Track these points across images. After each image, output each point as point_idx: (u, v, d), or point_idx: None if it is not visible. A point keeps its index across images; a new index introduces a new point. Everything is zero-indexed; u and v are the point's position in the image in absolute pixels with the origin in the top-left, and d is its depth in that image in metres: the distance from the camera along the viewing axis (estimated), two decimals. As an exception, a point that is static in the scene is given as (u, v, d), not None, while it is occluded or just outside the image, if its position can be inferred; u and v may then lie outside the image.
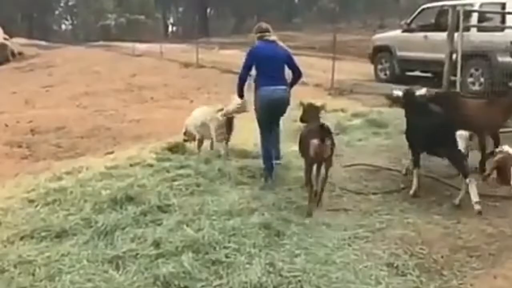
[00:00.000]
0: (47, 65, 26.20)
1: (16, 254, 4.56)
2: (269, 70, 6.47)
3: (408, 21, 14.04)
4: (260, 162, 6.80)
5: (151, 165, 7.09)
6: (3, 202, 5.92)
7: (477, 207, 5.36)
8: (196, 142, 8.15)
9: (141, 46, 28.49)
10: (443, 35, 9.47)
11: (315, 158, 5.66)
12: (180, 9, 69.10)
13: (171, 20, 70.69)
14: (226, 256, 4.40)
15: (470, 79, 11.50)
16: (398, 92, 6.72)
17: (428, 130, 5.82)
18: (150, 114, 12.52)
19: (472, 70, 11.47)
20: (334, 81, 13.50)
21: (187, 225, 4.96)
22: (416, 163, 6.04)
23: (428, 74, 14.44)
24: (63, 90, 17.67)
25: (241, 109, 7.42)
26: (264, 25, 6.78)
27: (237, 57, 23.60)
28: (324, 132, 5.59)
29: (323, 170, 5.79)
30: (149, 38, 33.10)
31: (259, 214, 5.31)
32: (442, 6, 12.87)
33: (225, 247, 4.53)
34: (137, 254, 4.51)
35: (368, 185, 6.30)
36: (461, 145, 5.53)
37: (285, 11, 56.49)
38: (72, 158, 8.96)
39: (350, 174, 6.67)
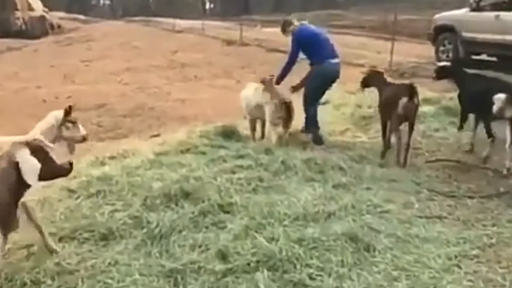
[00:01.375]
0: (86, 39, 25.65)
1: (54, 262, 3.81)
2: (325, 44, 7.03)
3: (478, -2, 12.89)
4: (327, 155, 6.03)
5: (204, 153, 6.29)
6: (39, 192, 5.18)
7: None
8: (249, 125, 7.34)
9: (181, 22, 27.71)
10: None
11: (403, 117, 5.83)
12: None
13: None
14: (310, 278, 3.57)
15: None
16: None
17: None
18: (195, 93, 11.70)
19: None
20: (392, 63, 12.51)
21: (257, 232, 4.13)
22: None
23: (493, 58, 13.46)
24: (103, 65, 16.98)
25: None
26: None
27: (281, 35, 22.80)
28: (413, 90, 5.75)
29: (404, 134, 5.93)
30: (187, 14, 32.30)
31: (338, 219, 4.46)
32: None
33: (307, 265, 3.69)
34: (199, 267, 3.72)
35: (461, 187, 5.39)
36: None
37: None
38: (115, 139, 8.20)
39: (436, 172, 5.77)
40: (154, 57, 17.50)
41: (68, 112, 4.39)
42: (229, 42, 19.92)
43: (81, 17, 41.02)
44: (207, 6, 66.83)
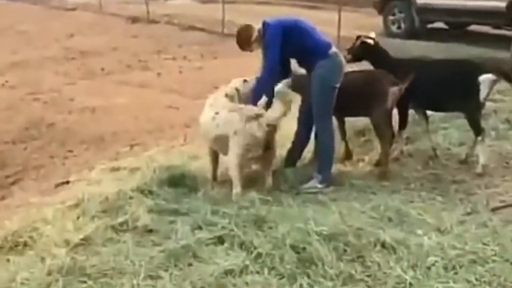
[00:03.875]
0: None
1: None
2: (316, 31, 5.08)
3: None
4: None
5: (150, 231, 4.05)
6: None
7: None
8: (209, 160, 5.15)
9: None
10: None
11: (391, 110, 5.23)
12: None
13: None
14: None
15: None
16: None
17: None
18: (107, 96, 9.15)
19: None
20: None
21: None
22: None
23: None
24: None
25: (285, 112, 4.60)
26: None
27: (193, 8, 20.24)
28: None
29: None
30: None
31: None
32: None
33: None
34: None
35: None
36: None
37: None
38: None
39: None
40: (47, 45, 14.45)
41: None
42: (134, 20, 17.17)
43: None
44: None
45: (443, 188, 4.92)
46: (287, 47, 4.83)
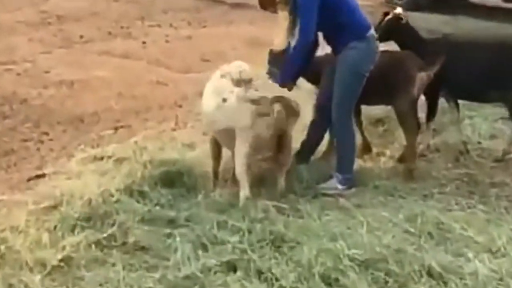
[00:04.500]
0: None
1: None
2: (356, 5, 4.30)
3: None
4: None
5: (142, 248, 3.34)
6: None
7: None
8: (210, 153, 4.43)
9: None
10: None
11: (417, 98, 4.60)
12: None
13: None
14: None
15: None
16: None
17: None
18: (87, 68, 8.19)
19: None
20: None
21: None
22: None
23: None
24: None
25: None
26: None
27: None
28: None
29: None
30: None
31: None
32: None
33: None
34: None
35: None
36: None
37: None
38: None
39: None
40: (20, 8, 13.32)
41: None
42: (115, -18, 16.06)
43: None
44: None
45: (482, 193, 4.26)
46: (319, 17, 4.05)
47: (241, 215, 3.63)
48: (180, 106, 6.76)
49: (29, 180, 4.75)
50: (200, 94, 6.52)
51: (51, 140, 5.91)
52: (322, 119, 4.50)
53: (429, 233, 3.60)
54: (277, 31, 4.32)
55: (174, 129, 5.97)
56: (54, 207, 4.04)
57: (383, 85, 4.44)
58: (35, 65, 8.56)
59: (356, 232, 3.55)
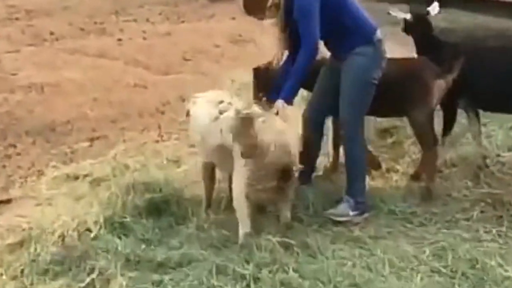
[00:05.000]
0: None
1: None
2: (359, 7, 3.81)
3: None
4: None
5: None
6: None
7: None
8: (202, 176, 3.85)
9: None
10: None
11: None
12: None
13: None
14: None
15: None
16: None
17: None
18: (59, 69, 7.56)
19: None
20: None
21: None
22: None
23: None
24: None
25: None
26: None
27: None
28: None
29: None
30: None
31: None
32: None
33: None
34: None
35: None
36: None
37: None
38: None
39: None
40: (-15, 1, 12.58)
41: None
42: (87, -27, 15.29)
43: None
44: None
45: (511, 218, 3.76)
46: (320, 20, 3.52)
47: (243, 257, 3.06)
48: (163, 113, 6.18)
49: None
50: (182, 98, 6.09)
51: (18, 154, 5.29)
52: (314, 132, 3.94)
53: (463, 274, 3.09)
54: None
55: (157, 141, 5.39)
56: (21, 243, 3.45)
57: (397, 95, 3.93)
58: (1, 66, 7.88)
59: (377, 274, 3.03)
